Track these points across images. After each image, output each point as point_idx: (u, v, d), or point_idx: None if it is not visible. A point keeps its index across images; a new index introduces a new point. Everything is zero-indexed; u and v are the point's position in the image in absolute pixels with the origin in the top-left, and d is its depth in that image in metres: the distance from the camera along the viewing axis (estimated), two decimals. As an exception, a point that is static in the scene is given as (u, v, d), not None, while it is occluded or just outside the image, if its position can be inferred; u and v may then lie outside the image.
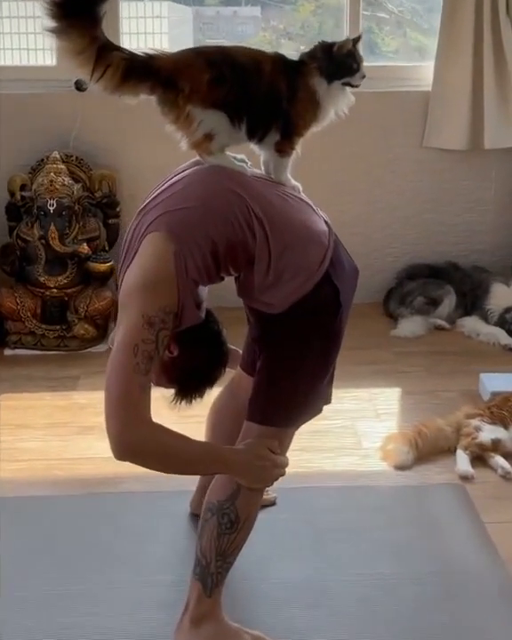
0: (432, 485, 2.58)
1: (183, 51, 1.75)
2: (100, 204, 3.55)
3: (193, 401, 1.83)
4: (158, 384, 1.77)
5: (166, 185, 1.76)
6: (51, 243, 3.35)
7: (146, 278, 1.59)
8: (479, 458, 2.71)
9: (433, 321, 3.77)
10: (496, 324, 3.68)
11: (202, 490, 2.31)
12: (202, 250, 1.62)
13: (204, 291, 1.78)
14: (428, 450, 2.73)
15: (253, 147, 1.82)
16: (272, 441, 1.77)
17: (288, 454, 1.86)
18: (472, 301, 3.81)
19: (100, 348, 3.47)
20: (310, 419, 1.89)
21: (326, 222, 1.82)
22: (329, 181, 3.68)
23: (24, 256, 3.47)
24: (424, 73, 3.77)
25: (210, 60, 1.69)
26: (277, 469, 1.76)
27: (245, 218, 1.66)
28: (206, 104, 1.68)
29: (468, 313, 3.80)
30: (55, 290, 3.43)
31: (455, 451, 2.73)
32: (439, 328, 3.76)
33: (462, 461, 2.67)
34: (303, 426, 1.91)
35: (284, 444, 1.83)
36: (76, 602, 2.05)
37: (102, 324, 3.52)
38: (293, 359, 1.78)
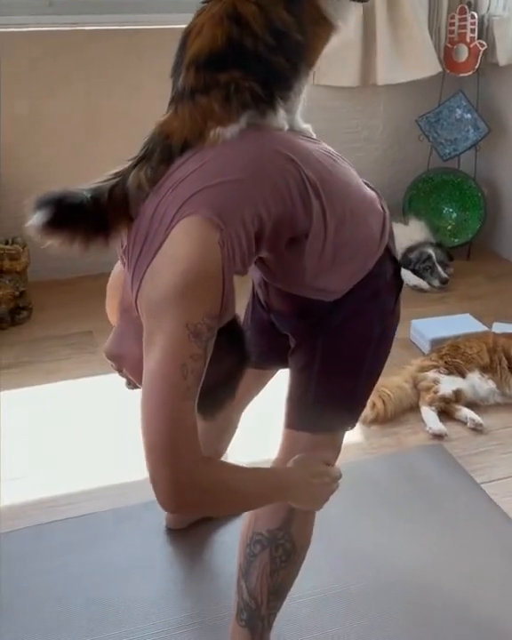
0: (412, 449, 2.45)
1: (172, 100, 1.30)
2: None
3: (216, 415, 1.43)
4: None
5: (190, 155, 1.30)
6: None
7: (186, 279, 1.17)
8: (443, 412, 2.61)
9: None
10: (400, 267, 3.57)
11: None
12: (248, 233, 1.25)
13: None
14: (393, 411, 2.60)
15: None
16: (327, 452, 1.49)
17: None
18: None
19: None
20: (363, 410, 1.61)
21: (367, 184, 1.52)
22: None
23: None
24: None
25: (199, 88, 1.25)
26: (334, 485, 1.44)
27: (299, 187, 1.28)
28: (233, 120, 1.27)
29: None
30: None
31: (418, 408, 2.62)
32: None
33: (431, 419, 2.55)
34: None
35: (338, 451, 1.55)
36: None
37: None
38: (354, 352, 1.49)
